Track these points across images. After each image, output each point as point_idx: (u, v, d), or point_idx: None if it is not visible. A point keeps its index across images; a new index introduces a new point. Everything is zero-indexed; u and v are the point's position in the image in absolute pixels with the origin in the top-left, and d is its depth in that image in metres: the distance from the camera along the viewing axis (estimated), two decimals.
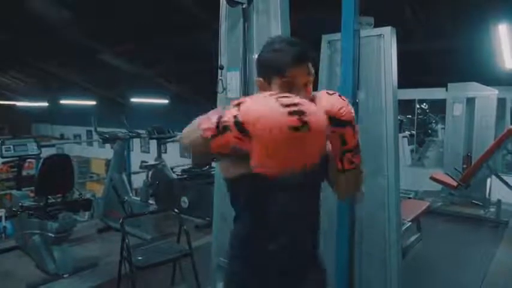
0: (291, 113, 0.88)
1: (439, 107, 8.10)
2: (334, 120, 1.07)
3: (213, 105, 2.51)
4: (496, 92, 5.88)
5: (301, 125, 0.88)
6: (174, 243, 3.04)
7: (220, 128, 0.91)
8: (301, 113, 0.89)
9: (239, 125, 0.89)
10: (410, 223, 3.86)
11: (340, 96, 1.12)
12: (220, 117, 0.92)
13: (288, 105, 0.89)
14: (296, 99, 0.92)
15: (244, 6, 2.30)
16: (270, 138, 0.88)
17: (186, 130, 1.07)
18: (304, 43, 1.19)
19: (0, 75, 12.83)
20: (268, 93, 0.96)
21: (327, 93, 1.12)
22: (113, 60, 9.07)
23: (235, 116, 0.90)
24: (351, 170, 1.20)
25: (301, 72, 1.15)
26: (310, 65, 1.17)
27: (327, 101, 1.09)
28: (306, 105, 0.92)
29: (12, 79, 13.10)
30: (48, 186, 3.58)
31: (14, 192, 4.02)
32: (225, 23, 2.45)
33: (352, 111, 1.12)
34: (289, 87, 1.14)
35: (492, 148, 4.93)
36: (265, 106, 0.90)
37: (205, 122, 0.95)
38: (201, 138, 0.96)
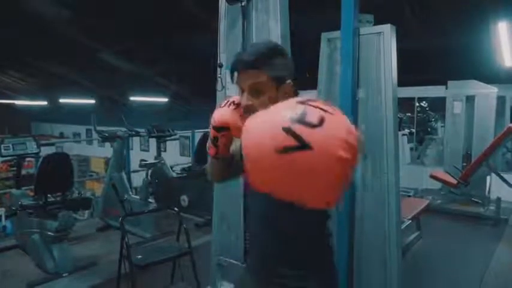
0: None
1: (438, 105, 8.09)
2: None
3: (212, 103, 2.50)
4: (496, 90, 5.87)
5: None
6: (173, 241, 3.03)
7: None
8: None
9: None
10: (410, 221, 3.86)
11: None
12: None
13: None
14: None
15: (243, 4, 2.29)
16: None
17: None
18: (263, 47, 1.20)
19: (0, 74, 12.81)
20: None
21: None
22: (113, 59, 9.06)
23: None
24: None
25: (243, 77, 1.18)
26: (258, 71, 1.15)
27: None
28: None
29: (11, 78, 13.09)
30: (47, 185, 3.58)
31: (13, 191, 4.02)
32: (224, 21, 2.44)
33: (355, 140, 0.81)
34: (241, 94, 1.21)
35: (492, 146, 4.93)
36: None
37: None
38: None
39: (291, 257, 1.18)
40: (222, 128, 1.20)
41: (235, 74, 1.21)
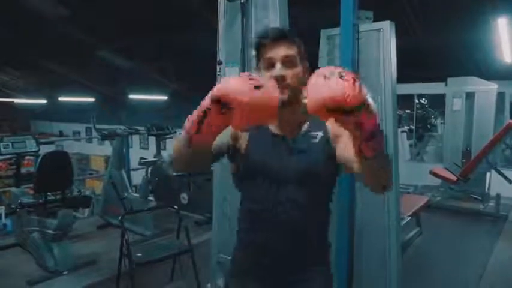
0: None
1: (438, 102, 8.08)
2: (342, 109, 0.87)
3: None
4: (496, 86, 5.86)
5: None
6: (173, 239, 3.03)
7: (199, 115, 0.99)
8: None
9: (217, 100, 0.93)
10: (409, 218, 3.87)
11: (341, 76, 0.88)
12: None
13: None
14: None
15: (242, 1, 2.29)
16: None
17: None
18: (286, 27, 1.25)
19: None
20: None
21: (324, 76, 0.89)
22: (112, 57, 9.04)
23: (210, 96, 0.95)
24: (372, 158, 1.01)
25: (276, 48, 1.20)
26: (289, 43, 1.21)
27: (325, 89, 0.87)
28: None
29: (10, 76, 13.06)
30: (47, 183, 3.57)
31: (12, 189, 4.02)
32: (224, 19, 2.44)
33: (361, 89, 0.88)
34: (268, 67, 1.21)
35: (492, 142, 4.93)
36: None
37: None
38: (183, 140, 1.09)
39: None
40: (219, 102, 0.93)
41: (266, 44, 1.21)
